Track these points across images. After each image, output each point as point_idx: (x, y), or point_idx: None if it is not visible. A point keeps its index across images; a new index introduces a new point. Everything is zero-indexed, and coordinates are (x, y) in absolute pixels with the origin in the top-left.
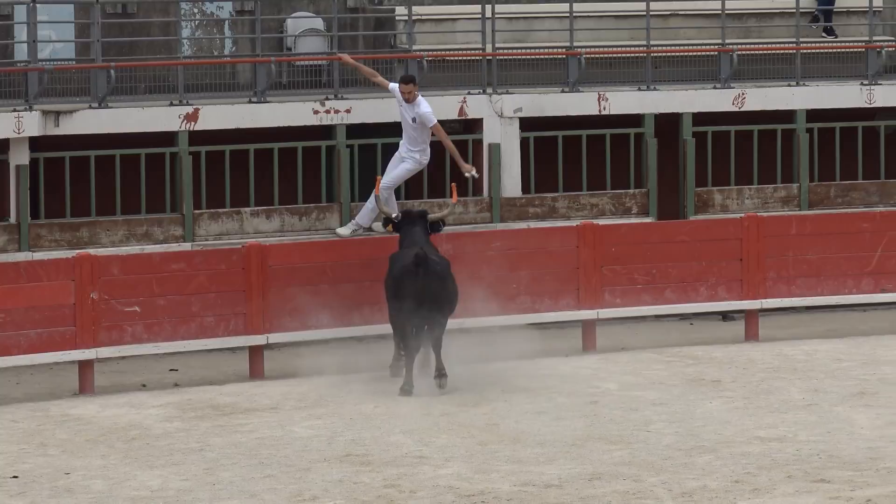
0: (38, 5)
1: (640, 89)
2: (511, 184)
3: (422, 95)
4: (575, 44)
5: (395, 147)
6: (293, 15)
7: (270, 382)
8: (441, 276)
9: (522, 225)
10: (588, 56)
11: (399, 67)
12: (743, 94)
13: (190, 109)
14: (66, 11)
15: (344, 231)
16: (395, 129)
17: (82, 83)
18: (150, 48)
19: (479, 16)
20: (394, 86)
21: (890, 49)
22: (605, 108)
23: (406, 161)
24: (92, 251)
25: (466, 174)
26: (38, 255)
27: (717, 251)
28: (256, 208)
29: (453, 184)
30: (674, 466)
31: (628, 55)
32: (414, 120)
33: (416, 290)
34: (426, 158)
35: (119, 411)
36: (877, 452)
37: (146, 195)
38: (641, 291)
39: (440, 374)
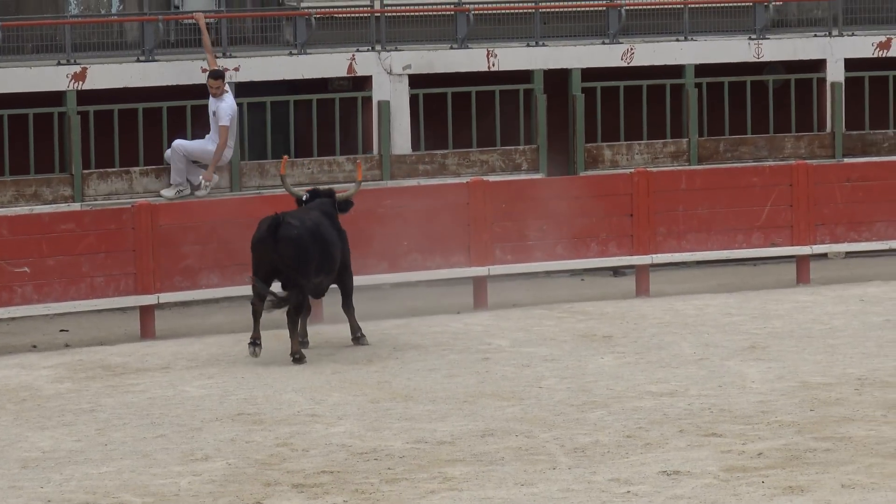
0: None
1: (528, 45)
2: (401, 141)
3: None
4: (463, 0)
5: (284, 105)
6: None
7: (161, 342)
8: (295, 239)
9: (413, 182)
10: (477, 12)
11: (287, 25)
12: (632, 49)
13: (78, 69)
14: None
15: (168, 193)
16: (284, 87)
17: None
18: (38, 7)
19: None
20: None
21: (777, 3)
22: (494, 65)
23: (209, 144)
24: None
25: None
26: None
27: (607, 207)
28: (146, 167)
29: (359, 161)
30: (566, 422)
31: (517, 11)
32: (214, 114)
33: (270, 254)
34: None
35: (9, 372)
36: (767, 406)
37: (34, 155)
38: (532, 248)
39: (355, 335)
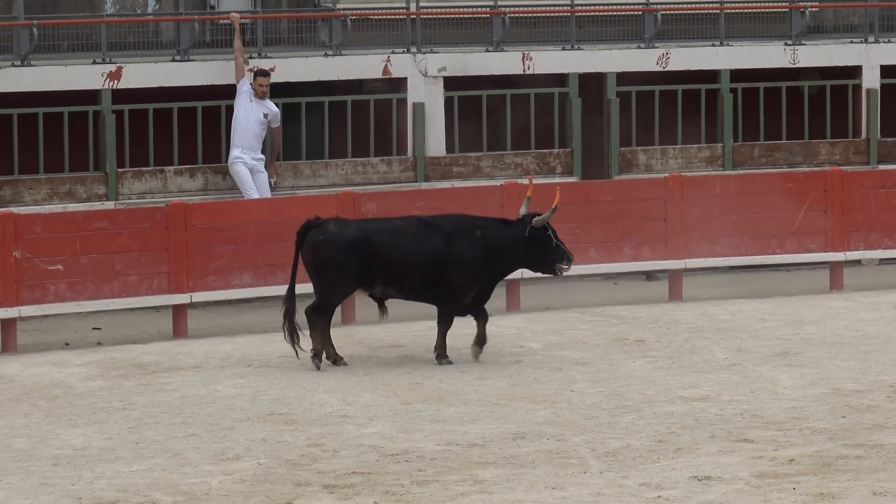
0: None
1: (564, 49)
2: (435, 143)
3: (339, 56)
4: (499, 3)
5: (319, 106)
6: None
7: (193, 341)
8: (317, 245)
9: (447, 184)
10: (512, 15)
11: (323, 26)
12: (667, 53)
13: (113, 68)
14: None
15: None
16: (318, 88)
17: (5, 41)
18: (73, 6)
19: None
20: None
21: (813, 9)
22: (529, 68)
23: (260, 172)
24: (14, 209)
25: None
26: None
27: (641, 211)
28: (180, 167)
29: (558, 187)
30: (597, 426)
31: (552, 14)
32: (265, 116)
33: (297, 254)
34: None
35: (42, 370)
36: (799, 412)
37: (69, 153)
38: None
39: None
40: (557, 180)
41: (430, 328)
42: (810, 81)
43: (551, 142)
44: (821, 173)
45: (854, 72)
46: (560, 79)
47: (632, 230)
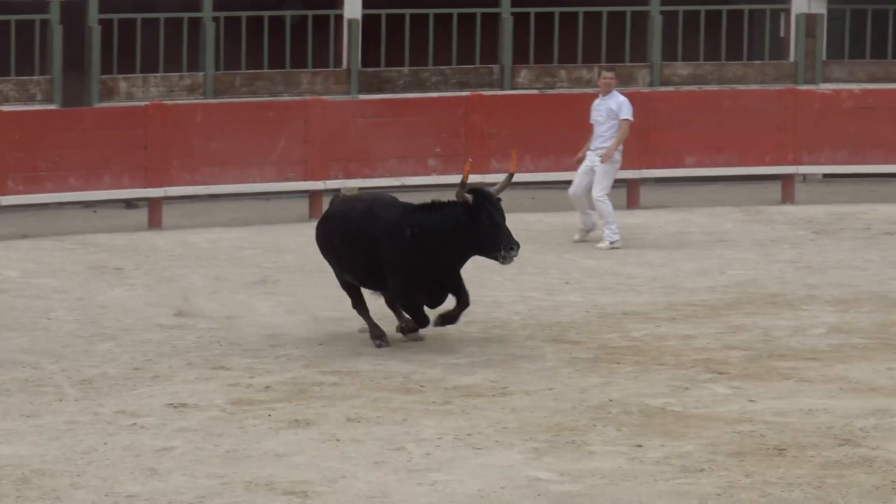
0: None
1: None
2: None
3: None
4: None
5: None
6: None
7: None
8: (317, 227)
9: None
10: None
11: None
12: None
13: None
14: None
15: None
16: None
17: None
18: None
19: None
20: None
21: None
22: None
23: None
24: None
25: None
26: None
27: (121, 139)
28: None
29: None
30: (74, 354)
31: None
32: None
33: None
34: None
35: None
36: (277, 340)
37: None
38: (45, 179)
39: None
40: (37, 108)
41: None
42: (293, 11)
43: (31, 69)
44: (301, 103)
45: (336, 2)
46: (42, 6)
47: (112, 158)
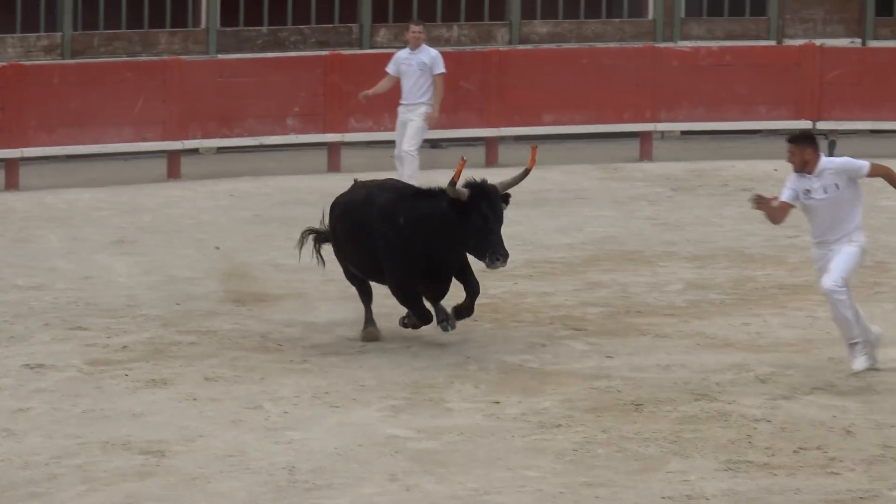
0: None
1: None
2: None
3: None
4: None
5: None
6: None
7: None
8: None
9: None
10: None
11: None
12: None
13: None
14: None
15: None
16: None
17: None
18: None
19: None
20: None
21: None
22: None
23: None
24: None
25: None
26: None
27: None
28: None
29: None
30: None
31: None
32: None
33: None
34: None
35: None
36: (134, 300)
37: None
38: None
39: None
40: None
41: None
42: None
43: None
44: (160, 63)
45: None
46: None
47: None
